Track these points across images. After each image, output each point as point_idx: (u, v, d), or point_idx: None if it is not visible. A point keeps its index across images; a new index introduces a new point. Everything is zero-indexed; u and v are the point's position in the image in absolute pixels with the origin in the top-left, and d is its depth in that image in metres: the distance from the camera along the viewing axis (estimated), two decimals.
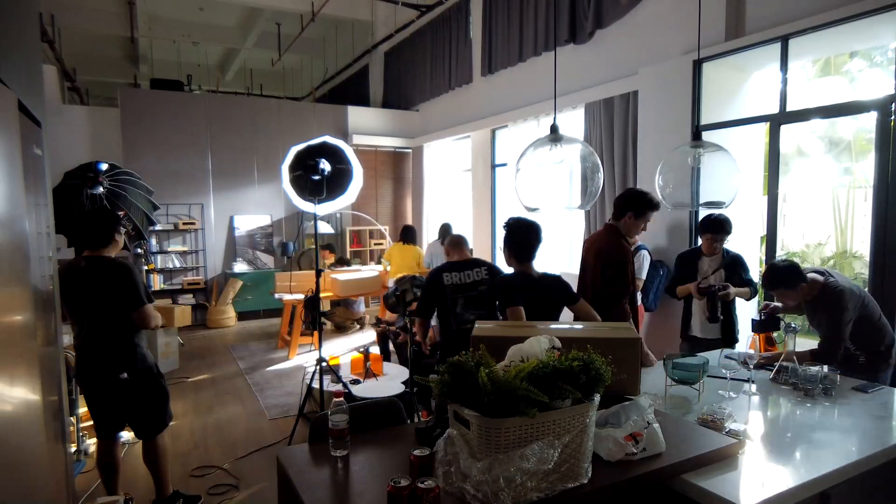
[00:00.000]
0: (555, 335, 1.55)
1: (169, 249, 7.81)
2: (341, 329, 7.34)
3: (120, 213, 4.07)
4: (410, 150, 9.15)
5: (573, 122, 5.80)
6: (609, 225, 3.10)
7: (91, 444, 3.54)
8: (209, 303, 7.84)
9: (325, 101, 11.02)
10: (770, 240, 3.88)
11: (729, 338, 3.31)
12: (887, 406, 2.11)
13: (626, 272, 2.98)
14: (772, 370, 2.41)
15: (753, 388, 2.30)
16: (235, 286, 7.70)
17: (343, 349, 6.23)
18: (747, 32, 3.85)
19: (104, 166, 4.35)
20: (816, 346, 2.55)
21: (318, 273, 3.93)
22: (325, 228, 8.59)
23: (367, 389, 4.03)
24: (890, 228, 3.11)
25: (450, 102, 7.97)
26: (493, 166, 7.43)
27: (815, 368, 2.24)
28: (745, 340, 3.79)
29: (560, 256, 6.22)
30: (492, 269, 3.31)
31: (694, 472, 1.52)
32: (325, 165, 3.63)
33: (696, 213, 4.17)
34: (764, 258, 4.26)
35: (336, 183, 3.84)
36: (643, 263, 4.03)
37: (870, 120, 3.39)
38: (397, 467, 1.46)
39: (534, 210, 2.63)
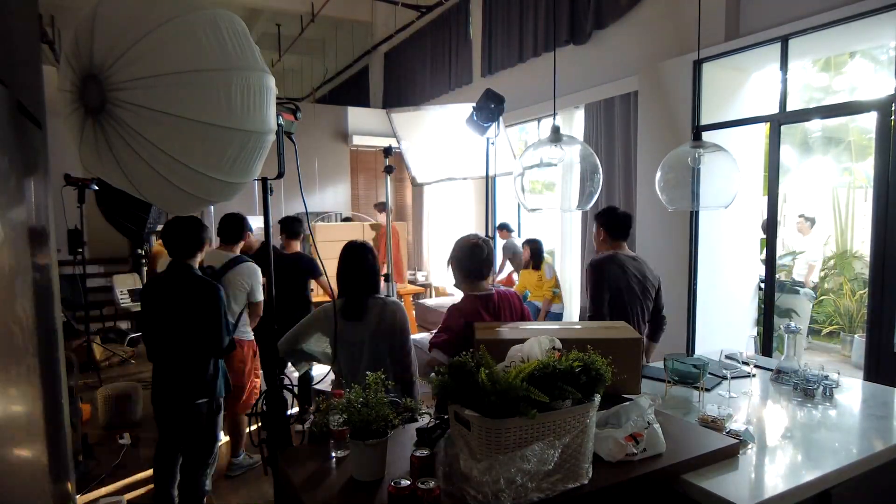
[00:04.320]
0: (555, 336, 1.55)
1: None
2: None
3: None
4: None
5: (573, 122, 5.81)
6: None
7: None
8: None
9: (325, 102, 11.03)
10: (770, 240, 3.88)
11: None
12: (887, 406, 2.11)
13: None
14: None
15: (754, 388, 2.30)
16: None
17: None
18: (747, 33, 3.85)
19: None
20: None
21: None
22: None
23: None
24: (890, 228, 3.11)
25: (449, 103, 7.98)
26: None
27: (815, 370, 2.24)
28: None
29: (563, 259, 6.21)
30: None
31: (694, 473, 1.52)
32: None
33: (697, 213, 4.18)
34: (764, 258, 4.26)
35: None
36: None
37: (870, 120, 3.39)
38: (398, 468, 1.46)
39: (534, 210, 2.63)
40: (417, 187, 5.49)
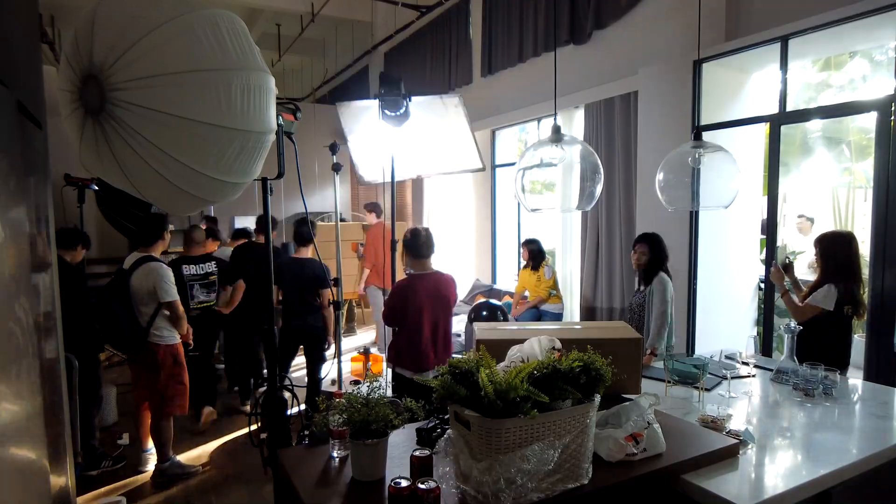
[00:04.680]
0: (555, 336, 1.55)
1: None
2: None
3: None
4: None
5: (573, 122, 5.81)
6: None
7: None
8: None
9: (325, 102, 11.01)
10: (770, 240, 3.88)
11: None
12: (887, 406, 2.11)
13: None
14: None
15: (754, 388, 2.30)
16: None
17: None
18: (747, 33, 3.85)
19: None
20: None
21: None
22: None
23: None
24: (890, 228, 3.11)
25: None
26: (494, 167, 7.43)
27: (815, 369, 2.24)
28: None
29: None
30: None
31: (694, 473, 1.52)
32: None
33: (697, 213, 4.18)
34: (764, 258, 4.26)
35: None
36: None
37: (870, 120, 3.39)
38: (398, 468, 1.46)
39: (535, 210, 2.63)
40: (364, 185, 5.23)
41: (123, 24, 1.30)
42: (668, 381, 2.25)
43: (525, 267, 5.43)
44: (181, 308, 3.28)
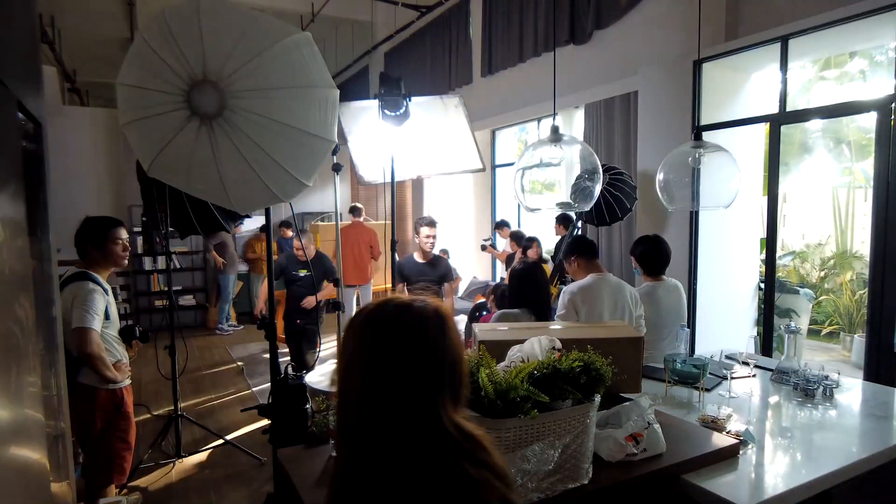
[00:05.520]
0: (555, 336, 1.55)
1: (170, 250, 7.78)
2: None
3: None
4: None
5: (573, 122, 5.81)
6: None
7: None
8: (209, 304, 7.84)
9: None
10: (770, 240, 3.88)
11: None
12: (887, 406, 2.11)
13: None
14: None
15: (754, 388, 2.30)
16: (235, 287, 7.70)
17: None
18: (747, 33, 3.85)
19: None
20: None
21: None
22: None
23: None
24: (890, 228, 3.11)
25: None
26: (494, 167, 7.43)
27: (815, 370, 2.24)
28: None
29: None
30: None
31: (695, 473, 1.52)
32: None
33: (697, 213, 4.18)
34: (764, 258, 4.26)
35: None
36: None
37: (870, 120, 3.39)
38: None
39: (534, 210, 2.63)
40: (364, 185, 5.24)
41: (234, 38, 1.45)
42: (668, 381, 2.25)
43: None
44: (93, 342, 2.35)
